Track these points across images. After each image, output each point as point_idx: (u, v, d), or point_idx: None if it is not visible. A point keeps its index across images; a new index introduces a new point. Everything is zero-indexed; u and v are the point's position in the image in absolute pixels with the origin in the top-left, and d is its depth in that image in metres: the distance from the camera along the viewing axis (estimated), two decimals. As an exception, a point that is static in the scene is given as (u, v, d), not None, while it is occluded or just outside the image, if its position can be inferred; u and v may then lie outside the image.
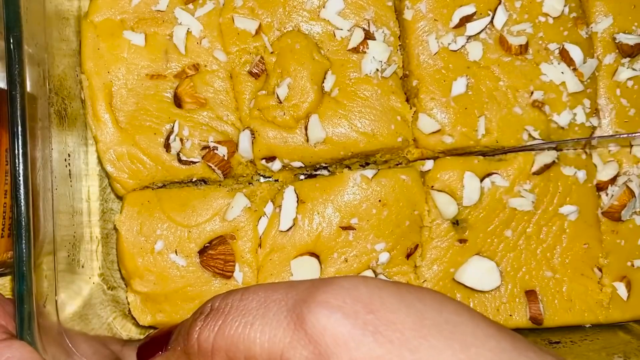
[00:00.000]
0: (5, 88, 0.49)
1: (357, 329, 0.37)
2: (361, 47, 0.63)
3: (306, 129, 0.63)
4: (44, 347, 0.49)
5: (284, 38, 0.63)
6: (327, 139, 0.62)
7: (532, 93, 0.64)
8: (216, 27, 0.64)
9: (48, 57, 0.55)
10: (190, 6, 0.64)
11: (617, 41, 0.65)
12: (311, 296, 0.39)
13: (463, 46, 0.64)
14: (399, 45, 0.65)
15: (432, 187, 0.64)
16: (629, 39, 0.65)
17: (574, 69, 0.64)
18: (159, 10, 0.64)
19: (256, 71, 0.63)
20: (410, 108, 0.64)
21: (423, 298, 0.39)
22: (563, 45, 0.64)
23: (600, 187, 0.65)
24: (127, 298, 0.64)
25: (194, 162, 0.63)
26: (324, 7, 0.64)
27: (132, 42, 0.63)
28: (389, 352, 0.36)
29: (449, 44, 0.64)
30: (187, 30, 0.63)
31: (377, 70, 0.63)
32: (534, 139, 0.64)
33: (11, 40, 0.49)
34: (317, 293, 0.39)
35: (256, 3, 0.64)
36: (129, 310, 0.63)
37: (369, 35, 0.63)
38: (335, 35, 0.64)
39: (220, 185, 0.65)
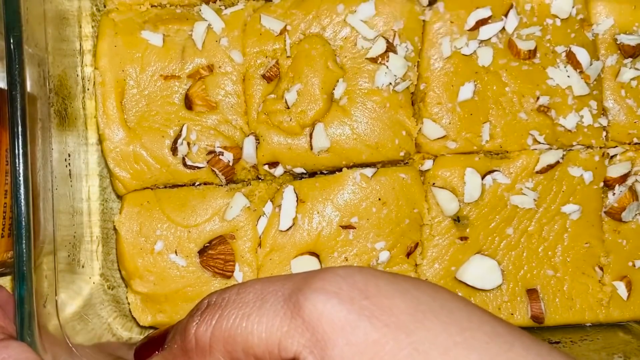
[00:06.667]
0: (6, 88, 0.49)
1: (353, 314, 0.37)
2: (380, 59, 0.63)
3: (311, 136, 0.63)
4: (44, 347, 0.49)
5: (303, 43, 0.63)
6: (330, 148, 0.63)
7: (537, 98, 0.64)
8: (239, 27, 0.64)
9: (48, 57, 0.56)
10: (218, 4, 0.64)
11: (618, 42, 0.65)
12: (307, 284, 0.39)
13: (474, 51, 0.64)
14: (417, 62, 0.65)
15: (434, 184, 0.64)
16: (630, 40, 0.65)
17: (581, 72, 0.64)
18: (185, 6, 0.64)
19: (269, 75, 0.63)
20: (414, 115, 0.64)
21: (418, 286, 0.39)
22: (570, 48, 0.64)
23: (609, 185, 0.65)
24: (127, 298, 0.64)
25: (199, 167, 0.63)
26: (353, 11, 0.63)
27: (150, 42, 0.63)
28: (384, 336, 0.36)
29: (462, 47, 0.63)
30: (208, 26, 0.63)
31: (390, 83, 0.63)
32: (539, 143, 0.64)
33: (11, 40, 0.49)
34: (313, 281, 0.39)
35: (293, 3, 0.64)
36: (130, 310, 0.63)
37: (390, 48, 0.63)
38: (356, 44, 0.63)
39: (219, 185, 0.65)
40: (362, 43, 0.63)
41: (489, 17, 0.63)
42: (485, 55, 0.64)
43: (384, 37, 0.63)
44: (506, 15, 0.64)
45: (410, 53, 0.64)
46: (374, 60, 0.63)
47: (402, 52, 0.63)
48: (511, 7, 0.64)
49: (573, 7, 0.64)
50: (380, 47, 0.63)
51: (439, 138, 0.64)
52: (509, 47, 0.64)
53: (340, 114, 0.63)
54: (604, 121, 0.65)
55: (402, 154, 0.63)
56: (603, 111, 0.65)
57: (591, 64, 0.64)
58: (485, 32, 0.63)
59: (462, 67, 0.64)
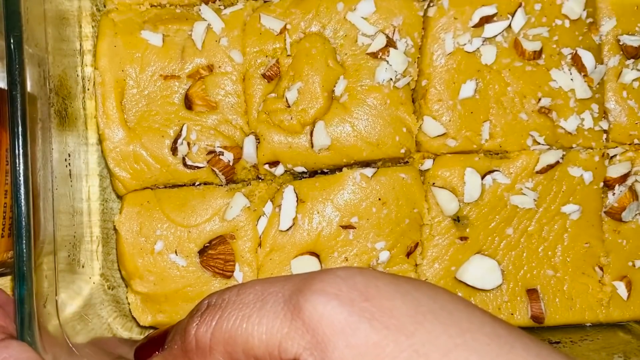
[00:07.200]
0: (6, 88, 0.49)
1: (353, 316, 0.37)
2: (380, 54, 0.63)
3: (311, 134, 0.63)
4: (44, 347, 0.49)
5: (303, 41, 0.63)
6: (331, 146, 0.62)
7: (539, 100, 0.63)
8: (238, 27, 0.64)
9: (48, 57, 0.56)
10: (218, 4, 0.65)
11: (621, 43, 0.65)
12: (307, 286, 0.39)
13: (478, 48, 0.63)
14: (417, 57, 0.65)
15: (433, 184, 0.64)
16: (632, 40, 0.65)
17: (585, 75, 0.64)
18: (184, 6, 0.64)
19: (270, 74, 0.63)
20: (415, 112, 0.64)
21: (419, 287, 0.39)
22: (576, 51, 0.64)
23: (609, 185, 0.65)
24: (127, 298, 0.64)
25: (199, 167, 0.63)
26: (353, 9, 0.63)
27: (150, 41, 0.63)
28: (385, 338, 0.36)
29: (465, 44, 0.63)
30: (208, 26, 0.63)
31: (391, 79, 0.63)
32: (539, 144, 0.64)
33: (11, 40, 0.49)
34: (313, 282, 0.39)
35: (292, 2, 0.64)
36: (130, 310, 0.63)
37: (390, 43, 0.63)
38: (356, 41, 0.63)
39: (219, 185, 0.65)
40: (362, 40, 0.63)
41: (494, 15, 0.63)
42: (488, 54, 0.63)
43: (383, 33, 0.63)
44: (513, 14, 0.63)
45: (410, 48, 0.64)
46: (374, 55, 0.63)
47: (402, 47, 0.63)
48: (519, 5, 0.63)
49: (584, 9, 0.64)
50: (380, 42, 0.63)
51: (438, 136, 0.64)
52: (515, 47, 0.64)
53: (341, 111, 0.63)
54: (604, 124, 0.65)
55: (402, 151, 0.63)
56: (604, 114, 0.65)
57: (595, 68, 0.64)
58: (490, 30, 0.63)
59: (464, 64, 0.64)
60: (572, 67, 0.64)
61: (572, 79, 0.64)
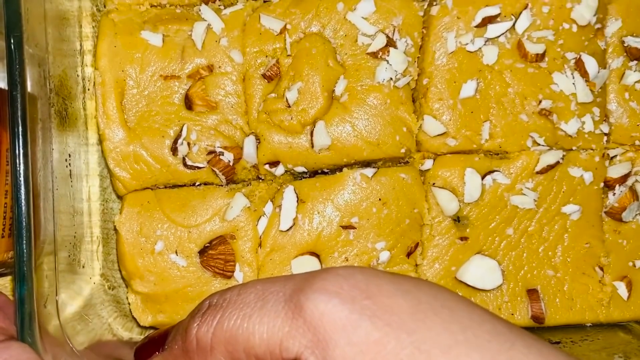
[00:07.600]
0: (6, 88, 0.49)
1: (354, 314, 0.37)
2: (380, 53, 0.63)
3: (312, 134, 0.63)
4: (44, 348, 0.49)
5: (303, 41, 0.63)
6: (331, 145, 0.62)
7: (540, 102, 0.63)
8: (238, 27, 0.64)
9: (48, 57, 0.56)
10: (218, 4, 0.65)
11: (625, 44, 0.65)
12: (308, 284, 0.39)
13: (480, 48, 0.63)
14: (417, 57, 0.65)
15: (434, 184, 0.64)
16: (637, 42, 0.65)
17: (587, 80, 0.63)
18: (184, 6, 0.64)
19: (270, 74, 0.63)
20: (415, 112, 0.64)
21: (419, 285, 0.40)
22: (580, 56, 0.63)
23: (609, 185, 0.65)
24: (127, 298, 0.64)
25: (200, 167, 0.63)
26: (353, 9, 0.63)
27: (150, 42, 0.63)
28: (386, 335, 0.36)
29: (467, 44, 0.63)
30: (208, 26, 0.63)
31: (391, 79, 0.63)
32: (539, 145, 0.64)
33: (12, 41, 0.49)
34: (314, 281, 0.39)
35: (292, 2, 0.64)
36: (130, 310, 0.63)
37: (390, 43, 0.63)
38: (356, 41, 0.63)
39: (219, 185, 0.65)
40: (362, 40, 0.63)
41: (497, 15, 0.63)
42: (490, 54, 0.63)
43: (383, 33, 0.63)
44: (518, 16, 0.63)
45: (410, 48, 0.64)
46: (374, 55, 0.63)
47: (402, 46, 0.63)
48: (525, 7, 0.63)
49: (594, 15, 0.63)
50: (380, 41, 0.63)
51: (439, 135, 0.64)
52: (517, 48, 0.63)
53: (341, 111, 0.63)
54: (605, 128, 0.65)
55: (403, 150, 0.63)
56: (605, 117, 0.65)
57: (598, 73, 0.64)
58: (493, 30, 0.63)
59: (466, 64, 0.64)
60: (574, 72, 0.64)
61: (574, 83, 0.63)
